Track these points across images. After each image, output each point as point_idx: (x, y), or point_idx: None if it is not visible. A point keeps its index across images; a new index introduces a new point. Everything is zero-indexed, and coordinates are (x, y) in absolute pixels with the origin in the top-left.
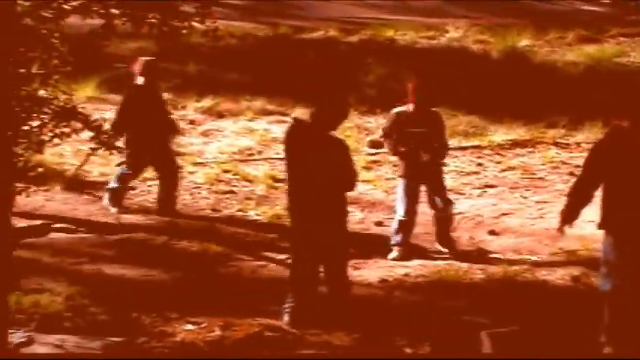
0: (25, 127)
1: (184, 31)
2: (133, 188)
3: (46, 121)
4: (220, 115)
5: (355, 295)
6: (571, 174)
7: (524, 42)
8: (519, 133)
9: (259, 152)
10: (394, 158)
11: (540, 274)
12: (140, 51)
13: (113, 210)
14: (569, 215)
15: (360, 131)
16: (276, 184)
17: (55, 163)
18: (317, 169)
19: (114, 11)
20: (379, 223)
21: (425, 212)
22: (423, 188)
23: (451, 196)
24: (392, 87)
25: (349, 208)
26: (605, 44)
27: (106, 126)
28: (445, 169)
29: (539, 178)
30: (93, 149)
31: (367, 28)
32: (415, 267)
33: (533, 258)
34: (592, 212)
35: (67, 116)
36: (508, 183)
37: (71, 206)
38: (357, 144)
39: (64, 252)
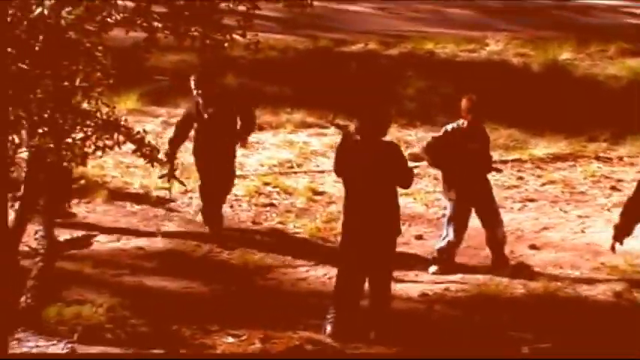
0: (69, 140)
1: (226, 44)
2: (174, 200)
3: (89, 133)
4: (260, 128)
5: (395, 308)
6: (613, 188)
7: (565, 55)
8: (560, 146)
9: (299, 165)
10: (435, 171)
11: (582, 290)
12: (181, 63)
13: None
14: (623, 232)
15: (400, 144)
16: (316, 197)
17: (97, 175)
18: (374, 176)
19: (157, 24)
20: (419, 237)
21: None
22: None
23: None
24: (432, 100)
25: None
26: None
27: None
28: None
29: (581, 192)
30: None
31: (407, 41)
32: (455, 281)
33: (575, 273)
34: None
35: (109, 129)
36: (549, 197)
37: (112, 218)
38: None
39: (106, 263)
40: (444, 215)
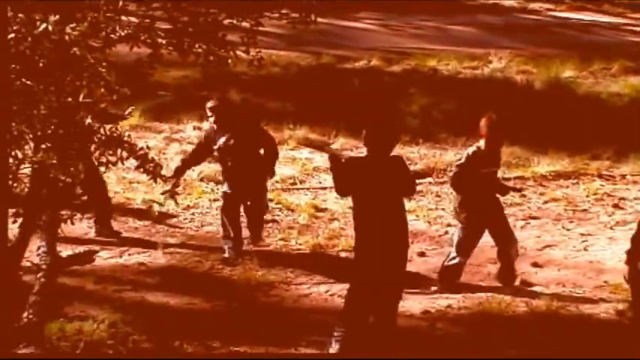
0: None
1: (230, 61)
2: (176, 215)
3: (92, 149)
4: None
5: (398, 325)
6: (615, 206)
7: (567, 73)
8: (563, 164)
9: (302, 181)
10: (437, 188)
11: (584, 308)
12: (184, 79)
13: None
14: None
15: None
16: (319, 214)
17: None
18: (386, 192)
19: (161, 41)
20: (422, 254)
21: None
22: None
23: None
24: (435, 117)
25: None
26: None
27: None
28: None
29: (583, 210)
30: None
31: (410, 58)
32: (458, 298)
33: (577, 291)
34: None
35: (112, 144)
36: (551, 215)
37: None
38: None
39: (107, 279)
40: (446, 233)
